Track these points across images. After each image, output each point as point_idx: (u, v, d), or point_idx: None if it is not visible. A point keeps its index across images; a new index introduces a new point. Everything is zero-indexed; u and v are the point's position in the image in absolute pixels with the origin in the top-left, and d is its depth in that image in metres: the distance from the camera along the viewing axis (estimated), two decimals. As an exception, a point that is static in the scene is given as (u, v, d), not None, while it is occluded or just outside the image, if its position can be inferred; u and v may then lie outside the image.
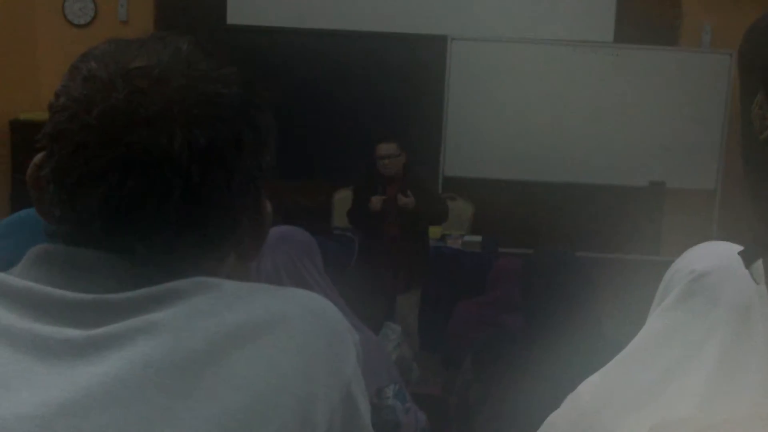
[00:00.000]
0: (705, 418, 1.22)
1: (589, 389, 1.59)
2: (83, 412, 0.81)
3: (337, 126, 8.04)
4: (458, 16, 8.01)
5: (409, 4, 8.03)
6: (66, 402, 0.81)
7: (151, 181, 0.91)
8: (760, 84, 1.00)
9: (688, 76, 7.78)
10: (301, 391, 0.88)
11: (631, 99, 7.83)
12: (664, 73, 7.79)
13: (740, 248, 1.12)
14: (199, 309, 0.88)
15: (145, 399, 0.82)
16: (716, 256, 1.48)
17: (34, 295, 0.89)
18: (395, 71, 8.08)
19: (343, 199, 7.70)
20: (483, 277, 5.09)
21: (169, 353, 0.84)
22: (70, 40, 8.08)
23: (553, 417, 1.69)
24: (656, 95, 7.80)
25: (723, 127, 7.82)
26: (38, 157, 0.98)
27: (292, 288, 0.99)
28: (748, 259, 1.07)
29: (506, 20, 7.99)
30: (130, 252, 0.93)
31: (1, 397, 0.81)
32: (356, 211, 6.60)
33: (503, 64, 7.87)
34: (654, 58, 7.80)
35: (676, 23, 8.03)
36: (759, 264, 1.06)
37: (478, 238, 7.29)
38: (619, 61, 7.82)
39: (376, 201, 6.31)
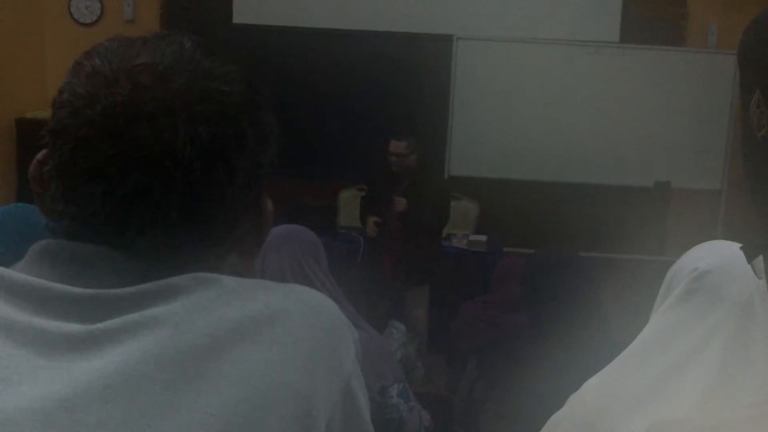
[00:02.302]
0: (702, 419, 1.22)
1: (593, 389, 1.59)
2: (84, 405, 0.81)
3: (343, 125, 8.05)
4: (464, 15, 8.01)
5: (414, 3, 8.04)
6: (66, 396, 0.81)
7: (152, 177, 0.92)
8: (757, 83, 1.01)
9: (693, 77, 7.76)
10: (301, 386, 0.89)
11: (637, 99, 7.81)
12: (670, 73, 7.77)
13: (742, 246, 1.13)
14: (199, 304, 0.89)
15: (146, 393, 0.82)
16: (718, 254, 1.48)
17: (36, 290, 0.89)
18: (401, 71, 8.09)
19: (348, 198, 7.71)
20: (488, 277, 5.09)
21: (169, 348, 0.85)
22: (77, 39, 8.09)
23: (557, 417, 1.69)
24: (662, 95, 7.79)
25: (729, 128, 7.80)
26: (41, 154, 0.99)
27: (292, 284, 0.99)
28: (749, 254, 1.07)
29: (512, 20, 8.00)
30: (132, 247, 0.94)
31: (1, 390, 0.81)
32: (364, 207, 6.65)
33: (509, 64, 7.86)
34: (659, 58, 7.79)
35: (682, 23, 8.02)
36: (760, 259, 1.07)
37: (483, 238, 7.29)
38: (625, 61, 7.81)
39: (371, 225, 6.42)
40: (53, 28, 8.24)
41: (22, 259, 0.97)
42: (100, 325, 0.87)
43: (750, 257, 1.07)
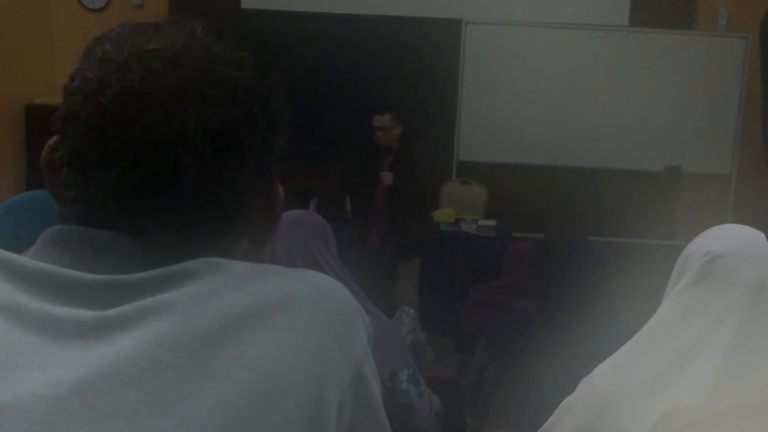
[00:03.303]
0: (714, 405, 1.22)
1: (604, 373, 1.60)
2: (96, 391, 0.81)
3: (351, 110, 8.04)
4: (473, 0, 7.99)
5: (423, -13, 8.02)
6: (79, 381, 0.82)
7: (164, 162, 0.92)
8: None
9: (703, 60, 7.73)
10: (313, 371, 0.89)
11: (647, 83, 7.79)
12: (680, 57, 7.75)
13: (753, 230, 1.13)
14: (210, 289, 0.89)
15: (158, 378, 0.83)
16: (730, 238, 1.48)
17: (47, 276, 0.89)
18: (410, 55, 8.08)
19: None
20: (497, 262, 5.08)
21: (181, 333, 0.85)
22: (85, 25, 8.10)
23: (568, 401, 1.70)
24: (672, 79, 7.77)
25: (739, 111, 7.78)
26: (53, 140, 0.99)
27: (303, 269, 0.99)
28: None
29: (521, 4, 7.98)
30: (143, 233, 0.94)
31: (14, 376, 0.82)
32: (346, 184, 6.71)
33: (518, 48, 7.85)
34: (669, 42, 7.76)
35: (692, 7, 7.99)
36: None
37: (492, 222, 7.28)
38: (635, 45, 7.79)
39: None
40: (62, 14, 8.25)
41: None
42: (112, 311, 0.87)
43: None
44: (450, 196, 7.76)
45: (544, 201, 7.79)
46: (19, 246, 1.00)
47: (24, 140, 7.78)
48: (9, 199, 1.83)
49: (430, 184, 6.80)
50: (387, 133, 6.52)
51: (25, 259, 0.91)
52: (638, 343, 1.53)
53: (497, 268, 4.78)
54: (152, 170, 0.92)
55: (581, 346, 2.56)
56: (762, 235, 1.51)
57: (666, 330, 1.47)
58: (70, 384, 0.81)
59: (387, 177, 6.46)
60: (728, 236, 1.49)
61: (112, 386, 0.82)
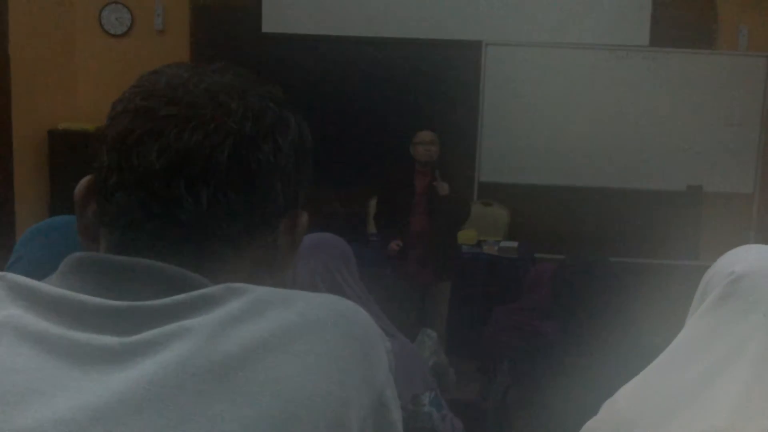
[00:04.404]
0: (738, 427, 1.21)
1: (627, 395, 1.58)
2: (118, 416, 0.81)
3: (372, 132, 8.05)
4: (493, 21, 8.01)
5: (443, 10, 8.03)
6: (101, 407, 0.82)
7: (189, 191, 0.95)
8: None
9: (724, 79, 7.72)
10: (335, 396, 0.89)
11: (668, 103, 7.78)
12: (701, 76, 7.74)
13: None
14: (232, 315, 0.89)
15: (180, 403, 0.83)
16: (754, 258, 1.47)
17: (69, 303, 0.90)
18: (430, 77, 8.08)
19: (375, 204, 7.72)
20: (519, 283, 5.06)
21: (203, 357, 0.85)
22: (107, 50, 8.17)
23: (591, 423, 1.68)
24: (692, 99, 7.76)
25: (760, 130, 7.76)
26: (87, 179, 1.01)
27: (324, 294, 0.99)
28: None
29: (541, 25, 7.98)
30: (164, 259, 0.94)
31: (36, 402, 0.82)
32: (384, 209, 6.60)
33: (538, 69, 7.86)
34: (690, 62, 7.75)
35: (712, 26, 7.97)
36: None
37: (514, 244, 7.27)
38: (655, 65, 7.78)
39: (394, 245, 6.36)
40: (84, 39, 8.31)
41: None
42: (134, 337, 0.87)
43: None
44: (471, 217, 7.75)
45: (566, 222, 7.77)
46: (44, 271, 1.01)
47: (47, 165, 7.82)
48: (36, 224, 1.85)
49: (468, 208, 6.67)
50: (431, 148, 6.35)
51: (47, 286, 0.92)
52: (662, 364, 1.52)
53: (519, 290, 4.76)
54: (175, 201, 0.94)
55: (604, 367, 2.55)
56: (786, 255, 1.50)
57: (689, 351, 1.46)
58: (93, 409, 0.81)
59: (443, 187, 6.33)
60: (752, 256, 1.48)
61: (135, 411, 0.82)
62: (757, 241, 1.58)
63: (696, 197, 7.86)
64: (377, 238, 6.97)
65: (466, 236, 7.19)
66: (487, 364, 4.47)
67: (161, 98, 0.97)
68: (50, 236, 1.79)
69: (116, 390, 0.83)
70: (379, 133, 8.01)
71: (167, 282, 0.93)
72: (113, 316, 0.89)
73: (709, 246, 7.57)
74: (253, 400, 0.84)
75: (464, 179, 7.53)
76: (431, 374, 3.48)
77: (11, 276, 0.93)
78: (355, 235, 6.26)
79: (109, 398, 0.82)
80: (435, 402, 3.16)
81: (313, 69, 8.07)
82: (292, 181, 1.02)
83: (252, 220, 0.99)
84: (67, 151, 7.58)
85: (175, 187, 0.94)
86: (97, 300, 0.90)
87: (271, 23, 8.17)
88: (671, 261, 7.60)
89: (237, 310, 0.90)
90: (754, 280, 1.42)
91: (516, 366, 3.28)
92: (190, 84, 0.98)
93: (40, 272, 1.01)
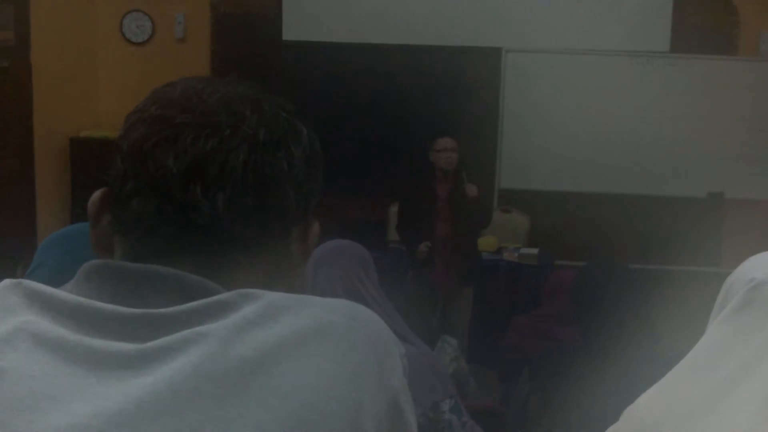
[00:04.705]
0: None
1: (648, 402, 1.58)
2: (134, 421, 0.82)
3: (393, 139, 8.06)
4: (513, 27, 8.00)
5: (463, 16, 8.03)
6: (117, 412, 0.82)
7: (205, 197, 0.96)
8: None
9: (745, 85, 7.69)
10: (350, 400, 0.89)
11: (689, 109, 7.76)
12: (722, 82, 7.72)
13: None
14: (247, 320, 0.89)
15: (196, 407, 0.83)
16: (776, 265, 1.46)
17: (86, 310, 0.91)
18: (450, 84, 8.09)
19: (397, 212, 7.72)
20: (539, 290, 5.05)
21: (218, 362, 0.86)
22: (128, 58, 8.22)
23: (612, 430, 1.68)
24: (714, 105, 7.73)
25: (783, 136, 7.72)
26: (100, 192, 1.02)
27: (338, 299, 0.99)
28: None
29: (561, 31, 7.97)
30: (179, 266, 0.95)
31: (53, 408, 0.83)
32: (406, 217, 6.58)
33: (558, 76, 7.85)
34: (711, 68, 7.73)
35: (734, 32, 7.94)
36: None
37: (534, 251, 7.26)
38: (676, 72, 7.76)
39: (423, 246, 6.34)
40: (106, 47, 8.36)
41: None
42: (150, 344, 0.88)
43: None
44: (491, 224, 7.74)
45: (586, 228, 7.75)
46: (65, 278, 1.02)
47: (69, 172, 7.86)
48: (56, 232, 1.87)
49: (489, 214, 6.66)
50: (453, 154, 6.34)
51: (64, 293, 0.93)
52: (682, 371, 1.51)
53: (539, 297, 4.75)
54: (191, 205, 0.95)
55: (624, 374, 2.54)
56: (807, 261, 1.49)
57: (710, 358, 1.45)
58: (109, 415, 0.82)
59: (471, 189, 6.34)
60: (774, 263, 1.47)
61: (152, 416, 0.82)
62: (779, 248, 1.57)
63: (718, 204, 7.83)
64: (398, 245, 6.96)
65: (486, 243, 7.18)
66: (507, 371, 4.46)
67: (176, 107, 0.98)
68: (71, 243, 1.80)
69: (133, 396, 0.84)
70: (399, 140, 8.01)
71: (182, 289, 0.94)
72: (129, 323, 0.90)
73: (731, 253, 7.52)
74: (269, 404, 0.85)
75: (484, 186, 7.54)
76: (451, 381, 3.48)
77: (28, 283, 0.94)
78: (374, 242, 6.26)
79: (126, 404, 0.83)
80: (455, 409, 3.16)
81: (333, 76, 8.09)
82: (304, 190, 1.03)
83: (266, 226, 1.00)
84: (88, 159, 7.63)
85: (192, 191, 0.95)
86: (113, 307, 0.91)
87: (291, 31, 8.19)
88: (692, 267, 7.56)
89: (252, 315, 0.90)
90: (775, 286, 1.41)
91: (536, 373, 3.28)
92: (204, 94, 1.00)
93: (60, 279, 1.02)
